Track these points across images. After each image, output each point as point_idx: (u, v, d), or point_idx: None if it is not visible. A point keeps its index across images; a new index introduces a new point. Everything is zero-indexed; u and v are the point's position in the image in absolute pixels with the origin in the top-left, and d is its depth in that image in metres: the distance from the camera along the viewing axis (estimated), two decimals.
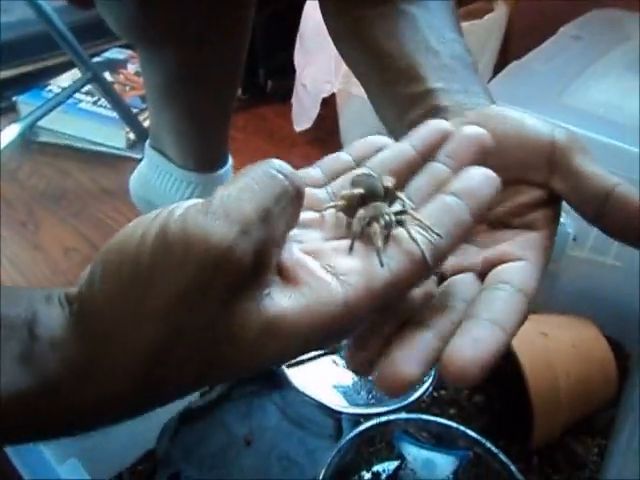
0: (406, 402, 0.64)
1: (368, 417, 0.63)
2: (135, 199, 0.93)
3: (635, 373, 0.71)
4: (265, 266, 0.25)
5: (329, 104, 1.14)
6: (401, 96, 0.44)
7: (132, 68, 1.35)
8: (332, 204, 0.30)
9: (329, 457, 0.59)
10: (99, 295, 0.25)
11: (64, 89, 1.12)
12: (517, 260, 0.32)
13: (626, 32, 0.94)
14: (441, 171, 0.32)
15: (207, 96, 0.76)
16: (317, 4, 0.54)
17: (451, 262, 0.34)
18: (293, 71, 1.16)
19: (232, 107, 0.81)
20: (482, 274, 0.33)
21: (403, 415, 0.64)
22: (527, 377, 0.62)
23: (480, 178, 0.29)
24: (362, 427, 0.62)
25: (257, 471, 0.63)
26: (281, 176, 0.26)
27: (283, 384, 0.67)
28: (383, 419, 0.62)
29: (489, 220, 0.36)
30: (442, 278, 0.33)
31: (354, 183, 0.30)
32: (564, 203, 0.36)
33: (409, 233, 0.27)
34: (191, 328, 0.24)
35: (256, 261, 0.24)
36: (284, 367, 0.68)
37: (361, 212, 0.28)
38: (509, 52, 1.16)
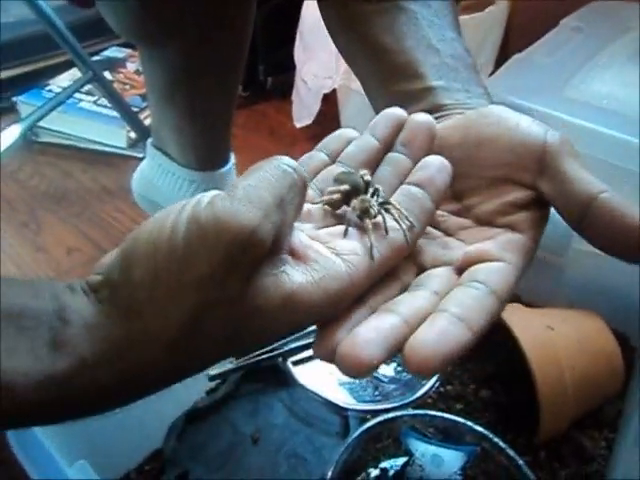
0: (412, 398, 0.64)
1: (375, 414, 0.63)
2: (137, 198, 0.93)
3: None
4: (280, 246, 0.29)
5: (330, 100, 1.14)
6: (400, 92, 0.44)
7: (132, 67, 1.34)
8: (325, 198, 0.34)
9: (337, 454, 0.59)
10: (134, 278, 0.27)
11: (64, 89, 1.11)
12: (496, 261, 0.32)
13: (627, 23, 0.94)
14: (401, 160, 0.36)
15: (209, 94, 0.76)
16: None
17: (432, 255, 0.34)
18: (293, 67, 1.16)
19: (234, 105, 0.81)
20: (460, 270, 0.33)
21: (410, 411, 0.64)
22: (533, 371, 0.62)
23: (437, 167, 0.34)
24: (369, 424, 0.62)
25: (264, 469, 0.63)
26: (290, 170, 0.30)
27: (289, 382, 0.67)
28: (390, 415, 0.62)
29: (476, 217, 0.36)
30: (421, 269, 0.34)
31: (338, 180, 0.34)
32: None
33: (398, 223, 0.32)
34: (220, 301, 0.27)
35: (274, 241, 0.28)
36: (290, 364, 0.68)
37: (355, 203, 0.33)
38: (510, 45, 1.15)
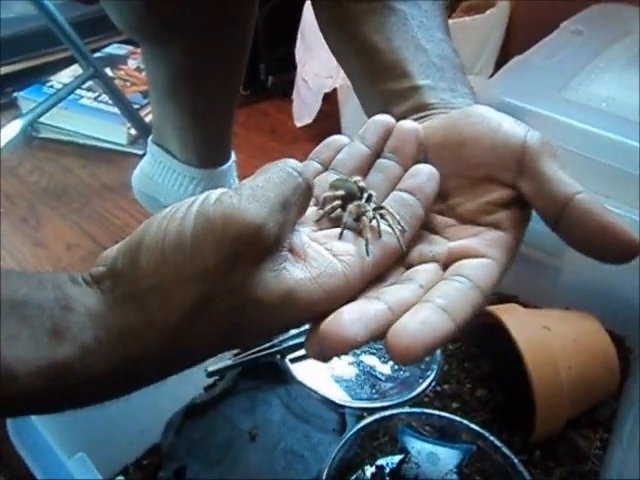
0: (409, 396, 0.65)
1: (371, 411, 0.63)
2: (137, 195, 0.93)
3: (636, 367, 0.72)
4: (282, 244, 0.30)
5: (330, 99, 1.14)
6: (387, 91, 0.44)
7: (132, 64, 1.35)
8: (327, 208, 0.35)
9: (333, 451, 0.59)
10: (140, 266, 0.28)
11: (65, 85, 1.11)
12: (480, 257, 0.33)
13: (627, 27, 0.94)
14: (390, 166, 0.38)
15: (211, 92, 0.76)
16: None
17: (418, 251, 0.35)
18: (294, 66, 1.16)
19: (235, 103, 0.81)
20: (446, 265, 0.34)
21: (406, 409, 0.64)
22: (529, 371, 0.62)
23: (427, 175, 0.36)
24: (366, 421, 0.62)
25: (262, 465, 0.63)
26: (296, 173, 0.31)
27: (287, 379, 0.67)
28: (386, 413, 0.63)
29: (460, 216, 0.37)
30: (409, 266, 0.35)
31: (334, 187, 0.36)
32: None
33: (392, 227, 0.33)
34: (223, 292, 0.28)
35: (277, 238, 0.29)
36: (288, 361, 0.68)
37: (351, 208, 0.34)
38: (511, 47, 1.16)
